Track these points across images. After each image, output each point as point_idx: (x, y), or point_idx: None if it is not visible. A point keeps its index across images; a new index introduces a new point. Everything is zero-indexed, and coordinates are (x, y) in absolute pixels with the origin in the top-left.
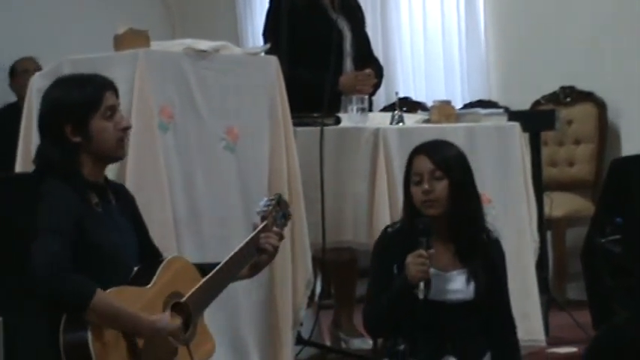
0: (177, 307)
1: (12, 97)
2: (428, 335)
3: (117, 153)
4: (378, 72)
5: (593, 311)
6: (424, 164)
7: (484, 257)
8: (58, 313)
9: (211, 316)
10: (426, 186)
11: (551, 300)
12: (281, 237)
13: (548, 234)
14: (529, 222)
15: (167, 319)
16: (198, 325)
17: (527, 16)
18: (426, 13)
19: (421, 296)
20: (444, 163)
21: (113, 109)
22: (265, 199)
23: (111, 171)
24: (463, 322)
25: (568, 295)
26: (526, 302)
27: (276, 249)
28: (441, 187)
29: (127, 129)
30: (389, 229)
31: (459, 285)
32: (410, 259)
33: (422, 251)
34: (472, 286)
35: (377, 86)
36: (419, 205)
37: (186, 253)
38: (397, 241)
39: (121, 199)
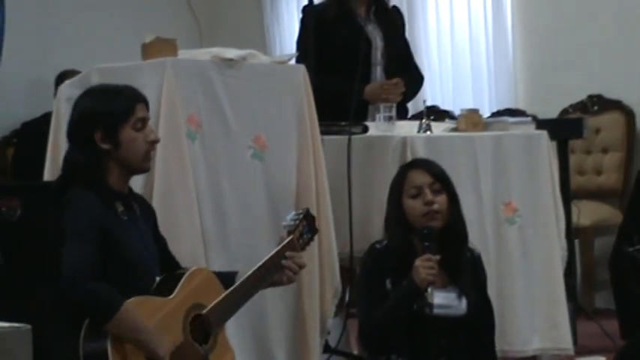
0: (198, 319)
1: None
2: (422, 351)
3: (143, 165)
4: (417, 79)
5: (621, 320)
6: (423, 177)
7: (471, 273)
8: (81, 322)
9: (238, 325)
10: (429, 197)
11: (578, 309)
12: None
13: (576, 242)
14: (557, 230)
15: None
16: (218, 337)
17: (554, 25)
18: (454, 21)
19: (430, 300)
20: (441, 176)
21: (144, 121)
22: (293, 212)
23: (139, 179)
24: (454, 337)
25: (596, 304)
26: (554, 311)
27: (296, 272)
28: (441, 199)
29: (155, 142)
30: (377, 245)
31: (450, 301)
32: (419, 262)
33: (430, 255)
34: (464, 302)
35: (414, 94)
36: (417, 219)
37: (213, 261)
38: (387, 257)
39: (144, 210)
